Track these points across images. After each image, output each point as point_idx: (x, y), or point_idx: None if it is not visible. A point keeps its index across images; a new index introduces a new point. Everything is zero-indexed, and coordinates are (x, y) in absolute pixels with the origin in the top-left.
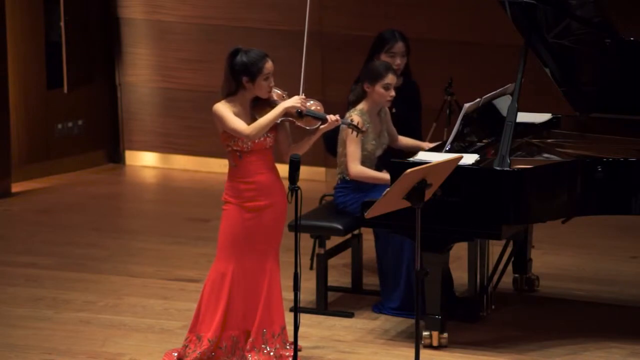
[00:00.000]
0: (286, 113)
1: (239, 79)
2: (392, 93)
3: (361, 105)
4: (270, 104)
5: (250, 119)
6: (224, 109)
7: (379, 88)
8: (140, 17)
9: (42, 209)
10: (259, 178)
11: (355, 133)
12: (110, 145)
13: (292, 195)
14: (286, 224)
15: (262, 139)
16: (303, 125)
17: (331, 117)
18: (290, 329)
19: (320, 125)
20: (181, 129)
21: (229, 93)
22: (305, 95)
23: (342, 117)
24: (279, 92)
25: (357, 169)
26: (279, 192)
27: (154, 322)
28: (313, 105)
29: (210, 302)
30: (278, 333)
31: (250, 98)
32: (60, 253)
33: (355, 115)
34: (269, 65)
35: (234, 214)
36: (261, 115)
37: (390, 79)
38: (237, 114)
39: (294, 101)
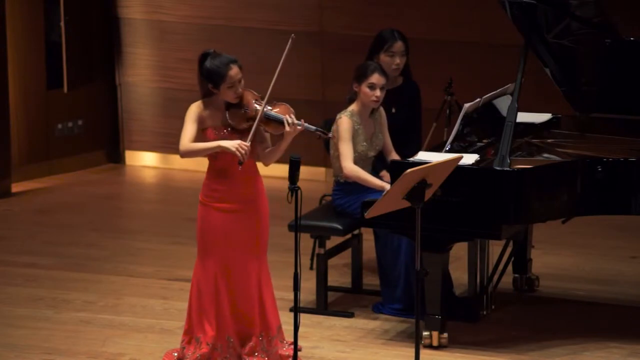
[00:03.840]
0: (255, 117)
1: (205, 84)
2: (377, 93)
3: (352, 107)
4: (243, 107)
5: (222, 121)
6: (190, 114)
7: (364, 87)
8: (140, 17)
9: (42, 209)
10: (232, 181)
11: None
12: (110, 145)
13: (292, 195)
14: (286, 224)
15: None
16: (270, 131)
17: (293, 122)
18: (290, 329)
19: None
20: (181, 129)
21: (205, 94)
22: (270, 101)
23: (333, 117)
24: (252, 95)
25: (350, 167)
26: (256, 196)
27: (154, 322)
28: (276, 109)
29: (201, 303)
30: (275, 335)
31: (223, 101)
32: (60, 253)
33: (344, 117)
34: (233, 72)
35: (205, 214)
36: (233, 119)
37: (376, 78)
38: (209, 116)
39: (231, 144)
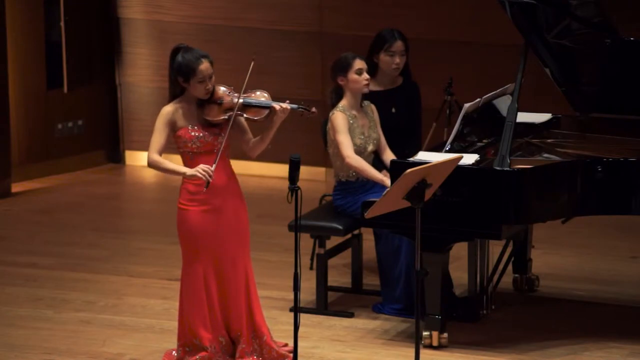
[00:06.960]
0: (233, 107)
1: (176, 79)
2: (366, 76)
3: (342, 102)
4: (217, 102)
5: (197, 119)
6: (159, 121)
7: (352, 75)
8: (140, 17)
9: (42, 209)
10: (210, 182)
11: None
12: (110, 145)
13: (292, 195)
14: (286, 224)
15: (210, 139)
16: (251, 117)
17: (279, 106)
18: (290, 329)
19: (269, 113)
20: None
21: (175, 94)
22: (245, 90)
23: (325, 117)
24: (224, 89)
25: (353, 156)
26: (233, 194)
27: (154, 322)
28: (254, 95)
29: (193, 307)
30: (265, 334)
31: (195, 98)
32: (60, 253)
33: (337, 112)
34: (203, 67)
35: (187, 219)
36: (207, 114)
37: (360, 63)
38: (181, 117)
39: (195, 171)
